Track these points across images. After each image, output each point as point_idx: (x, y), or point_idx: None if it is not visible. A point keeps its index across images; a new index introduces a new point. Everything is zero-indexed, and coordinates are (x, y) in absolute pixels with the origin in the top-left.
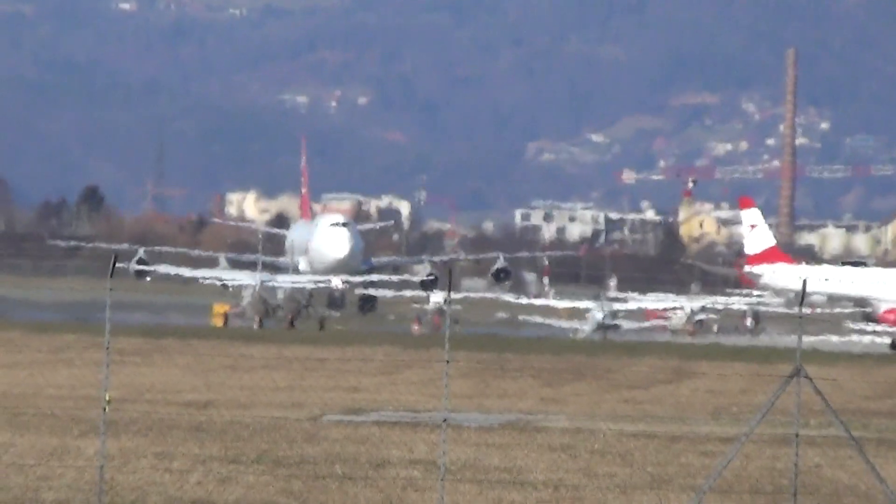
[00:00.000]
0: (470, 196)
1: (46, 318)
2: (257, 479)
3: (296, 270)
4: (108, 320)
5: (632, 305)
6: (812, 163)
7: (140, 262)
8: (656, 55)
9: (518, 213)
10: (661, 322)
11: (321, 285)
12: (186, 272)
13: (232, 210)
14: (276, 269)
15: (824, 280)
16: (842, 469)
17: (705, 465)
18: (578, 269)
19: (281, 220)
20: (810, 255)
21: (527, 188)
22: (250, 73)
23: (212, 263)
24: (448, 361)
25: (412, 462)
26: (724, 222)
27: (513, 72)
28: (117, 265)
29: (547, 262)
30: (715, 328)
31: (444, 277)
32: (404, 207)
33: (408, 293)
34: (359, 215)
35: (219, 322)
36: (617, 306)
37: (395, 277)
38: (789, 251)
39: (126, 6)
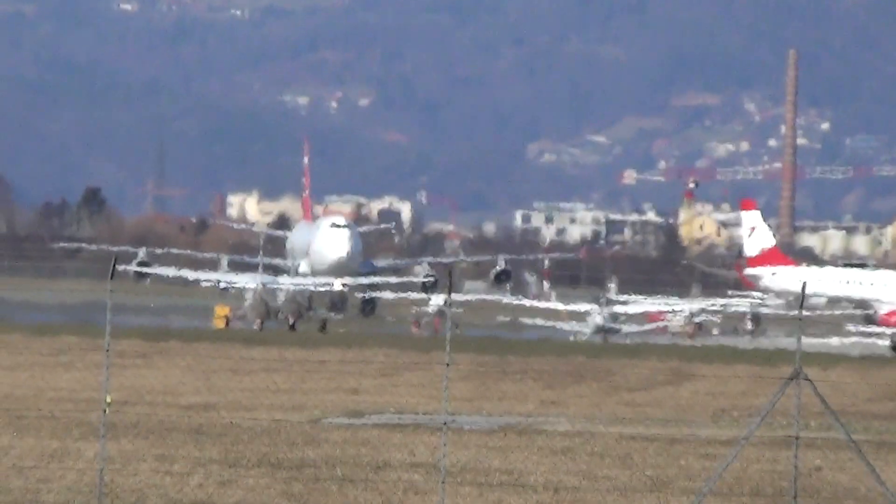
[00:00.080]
0: (470, 197)
1: (47, 320)
2: (257, 481)
3: (296, 272)
4: (108, 322)
5: (631, 308)
6: (812, 163)
7: (141, 263)
8: (657, 55)
9: (518, 215)
10: (661, 324)
11: (322, 287)
12: (188, 274)
13: (233, 212)
14: (277, 270)
15: (824, 282)
16: (842, 471)
17: (705, 468)
18: (579, 270)
19: (283, 222)
20: (811, 257)
21: (527, 189)
22: (251, 74)
23: (213, 265)
24: (448, 364)
25: (413, 465)
26: (725, 224)
27: (513, 72)
28: (117, 267)
29: (547, 265)
30: (715, 330)
31: (444, 279)
32: (405, 208)
33: (409, 295)
34: (359, 217)
35: (221, 324)
36: (617, 309)
37: (395, 279)
38: (789, 252)
39: (127, 6)
